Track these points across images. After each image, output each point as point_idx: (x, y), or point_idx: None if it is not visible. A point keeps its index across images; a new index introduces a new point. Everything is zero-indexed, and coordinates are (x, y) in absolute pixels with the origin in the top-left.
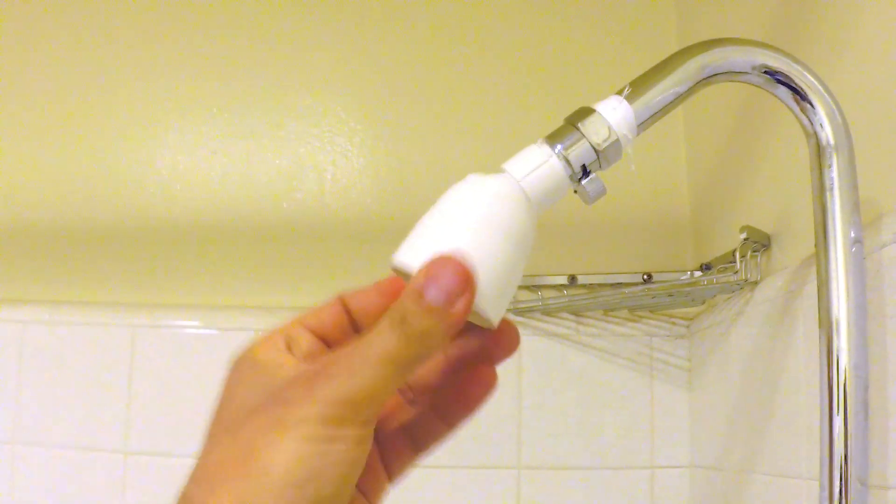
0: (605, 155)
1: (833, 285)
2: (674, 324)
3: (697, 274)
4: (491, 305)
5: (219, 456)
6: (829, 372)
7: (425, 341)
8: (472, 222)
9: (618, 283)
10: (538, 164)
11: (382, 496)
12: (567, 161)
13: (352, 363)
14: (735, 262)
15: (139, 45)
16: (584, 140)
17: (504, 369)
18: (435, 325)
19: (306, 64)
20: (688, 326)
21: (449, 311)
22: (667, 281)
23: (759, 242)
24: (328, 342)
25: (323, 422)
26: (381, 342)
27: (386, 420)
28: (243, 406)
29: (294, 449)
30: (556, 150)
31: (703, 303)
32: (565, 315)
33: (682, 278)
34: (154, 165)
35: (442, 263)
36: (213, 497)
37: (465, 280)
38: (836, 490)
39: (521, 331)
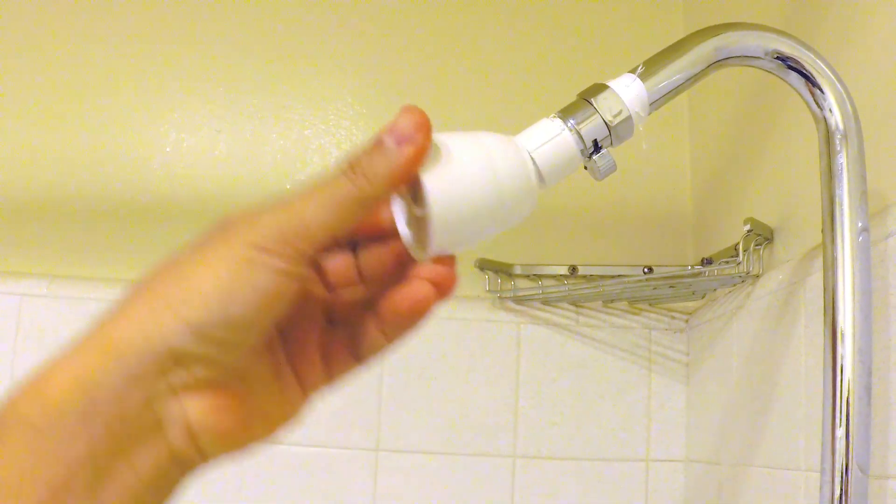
0: (616, 131)
1: (839, 273)
2: (673, 317)
3: (698, 267)
4: (444, 247)
5: (160, 271)
6: (832, 359)
7: (368, 181)
8: (487, 171)
9: (618, 275)
10: (550, 137)
11: (314, 389)
12: (579, 135)
13: (293, 200)
14: (737, 255)
15: (145, 23)
16: (597, 115)
17: (502, 358)
18: (380, 164)
19: (313, 46)
20: (687, 320)
21: (396, 150)
22: (668, 273)
23: (762, 235)
24: None
25: (250, 246)
26: (323, 181)
27: (318, 310)
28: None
29: (220, 267)
30: (569, 125)
31: (704, 296)
32: (565, 305)
33: (684, 270)
34: (158, 143)
35: (404, 113)
36: (143, 298)
37: (420, 125)
38: (837, 478)
39: (520, 319)
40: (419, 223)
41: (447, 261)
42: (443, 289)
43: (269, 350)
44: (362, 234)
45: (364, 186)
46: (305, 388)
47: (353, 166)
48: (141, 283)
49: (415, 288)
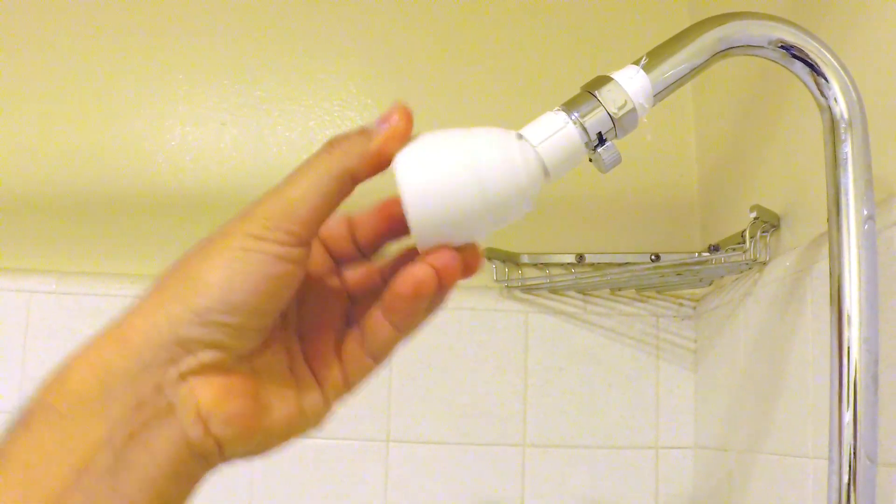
0: (621, 123)
1: (845, 261)
2: (681, 304)
3: (706, 255)
4: (424, 232)
5: (169, 270)
6: (839, 347)
7: (345, 154)
8: (467, 158)
9: (625, 263)
10: (555, 131)
11: (336, 393)
12: (583, 128)
13: (280, 185)
14: (744, 242)
15: (150, 18)
16: (601, 108)
17: (510, 347)
18: (356, 140)
19: (319, 37)
20: (694, 307)
21: (374, 128)
22: (675, 260)
23: (768, 223)
24: (329, 248)
25: (245, 236)
26: (306, 161)
27: (337, 314)
28: None
29: (219, 259)
30: (573, 117)
31: (711, 283)
32: (572, 293)
33: (691, 258)
34: (163, 136)
35: (391, 105)
36: (153, 294)
37: (401, 110)
38: (845, 466)
39: (528, 308)
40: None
41: (446, 250)
42: (444, 275)
43: (285, 348)
44: (384, 240)
45: (339, 158)
46: (324, 389)
47: (331, 143)
48: (153, 282)
49: (415, 269)
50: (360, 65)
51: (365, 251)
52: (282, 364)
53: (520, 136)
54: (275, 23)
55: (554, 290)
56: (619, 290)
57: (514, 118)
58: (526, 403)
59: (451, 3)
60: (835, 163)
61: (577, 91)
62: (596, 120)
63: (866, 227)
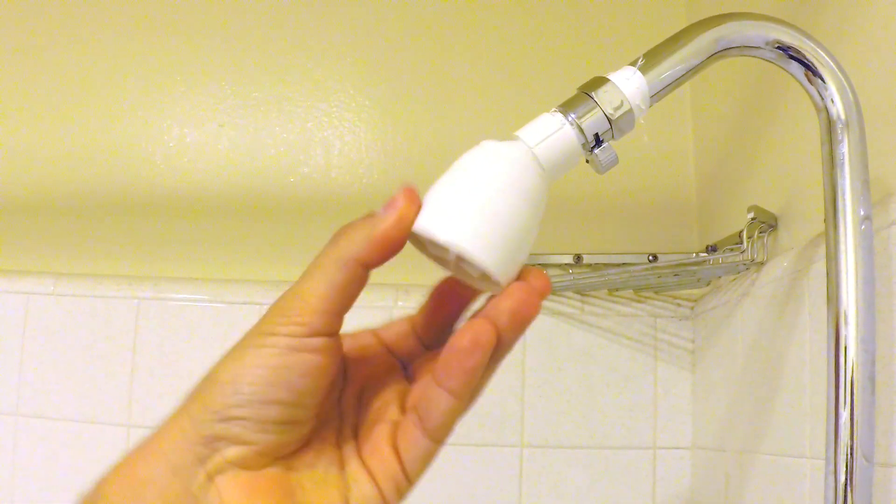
0: (618, 124)
1: (842, 262)
2: (678, 305)
3: (703, 255)
4: (501, 265)
5: (192, 386)
6: (836, 347)
7: (350, 241)
8: (485, 184)
9: (623, 263)
10: (551, 132)
11: (394, 484)
12: (580, 129)
13: (293, 285)
14: (741, 242)
15: (148, 18)
16: (598, 109)
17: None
18: (362, 227)
19: (315, 38)
20: (692, 308)
21: (380, 214)
22: (673, 261)
23: (765, 223)
24: (394, 352)
25: (259, 334)
26: (315, 257)
27: (392, 399)
28: None
29: (232, 358)
30: (570, 119)
31: (709, 284)
32: (570, 294)
33: (689, 258)
34: (161, 138)
35: (399, 189)
36: (182, 405)
37: (407, 194)
38: (841, 467)
39: (537, 313)
40: (471, 269)
41: (518, 286)
42: (525, 307)
43: (334, 445)
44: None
45: (344, 247)
46: (379, 483)
47: (337, 233)
48: (183, 396)
49: (471, 323)
50: (357, 66)
51: (434, 345)
52: (327, 462)
53: (516, 138)
54: (272, 24)
55: (552, 291)
56: (617, 290)
57: (511, 119)
58: (524, 404)
59: (448, 5)
60: (832, 163)
61: (573, 92)
62: (593, 121)
63: (863, 227)
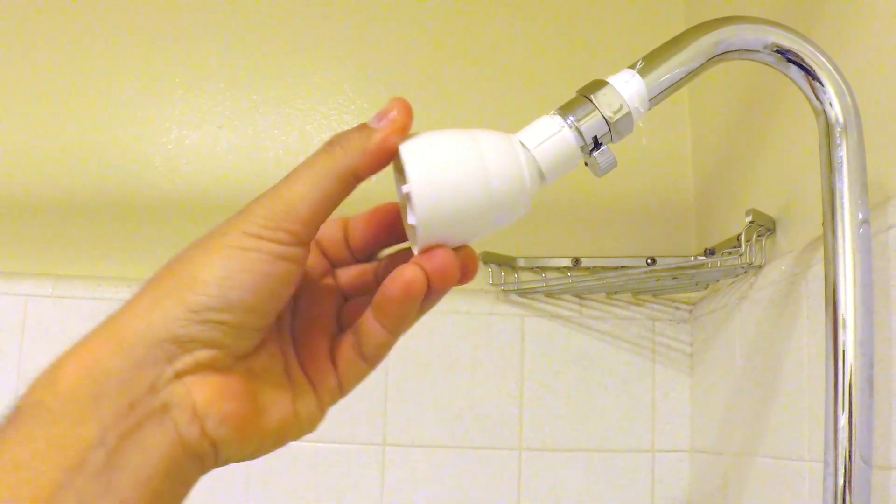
0: (616, 127)
1: (840, 265)
2: (677, 308)
3: (701, 258)
4: (427, 229)
5: (164, 268)
6: (834, 350)
7: (345, 152)
8: (474, 158)
9: (621, 266)
10: (550, 135)
11: (330, 396)
12: (579, 132)
13: (279, 185)
14: (740, 245)
15: (146, 19)
16: (597, 112)
17: (506, 351)
18: (356, 137)
19: (315, 40)
20: (690, 311)
21: (374, 125)
22: (671, 264)
23: (764, 226)
24: (324, 251)
25: (243, 235)
26: (306, 160)
27: (331, 317)
28: None
29: (217, 257)
30: (569, 122)
31: (707, 287)
32: (568, 297)
33: (687, 261)
34: (160, 140)
35: (390, 100)
36: (148, 292)
37: (400, 105)
38: (840, 469)
39: (524, 312)
40: (409, 214)
41: (442, 251)
42: (442, 277)
43: (280, 350)
44: (379, 246)
45: (340, 157)
46: (318, 392)
47: (331, 142)
48: (146, 281)
49: (405, 271)
50: (356, 68)
51: (359, 255)
52: (278, 366)
53: (517, 140)
54: (271, 27)
55: (550, 294)
56: (616, 293)
57: (510, 122)
58: (522, 407)
59: (447, 7)
60: (830, 167)
61: (572, 95)
62: (591, 124)
63: (861, 230)
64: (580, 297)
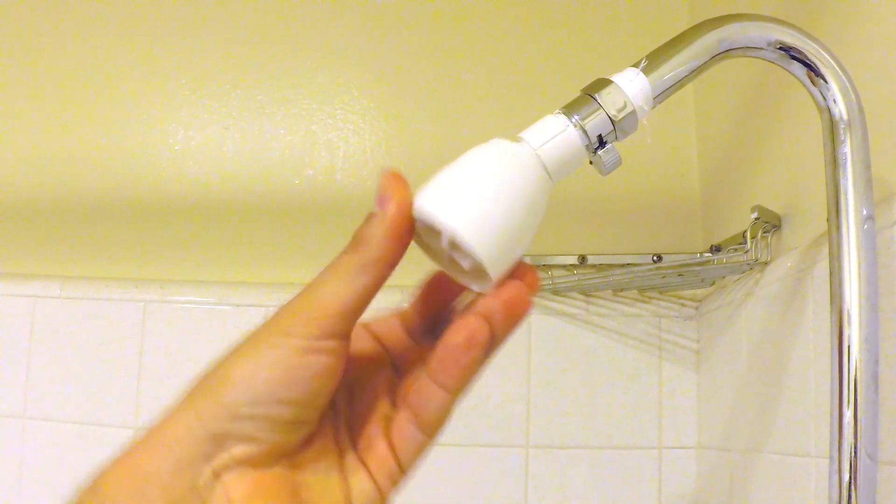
0: (621, 126)
1: (845, 261)
2: (683, 305)
3: (707, 255)
4: (494, 258)
5: (202, 374)
6: (839, 346)
7: (367, 244)
8: (487, 177)
9: (627, 264)
10: (555, 134)
11: (389, 478)
12: (584, 131)
13: (311, 284)
14: (745, 242)
15: (153, 21)
16: (601, 111)
17: (513, 349)
18: (372, 227)
19: (320, 41)
20: (697, 307)
21: (381, 211)
22: (677, 261)
23: (769, 223)
24: (384, 345)
25: (276, 334)
26: (332, 260)
27: (383, 399)
28: None
29: (246, 356)
30: (573, 120)
31: (713, 284)
32: (575, 295)
33: (693, 258)
34: (166, 141)
35: (380, 179)
36: (186, 398)
37: (393, 179)
38: (846, 465)
39: (531, 310)
40: (463, 259)
41: (511, 283)
42: (515, 305)
43: (333, 442)
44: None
45: (363, 251)
46: (375, 476)
47: (355, 240)
48: (185, 388)
49: (467, 318)
50: (361, 68)
51: (421, 340)
52: (329, 459)
53: (520, 140)
54: (276, 27)
55: (556, 292)
56: (622, 291)
57: (515, 121)
58: (529, 405)
59: (452, 7)
60: (834, 163)
61: (576, 94)
62: (596, 122)
63: (866, 226)
64: (586, 295)
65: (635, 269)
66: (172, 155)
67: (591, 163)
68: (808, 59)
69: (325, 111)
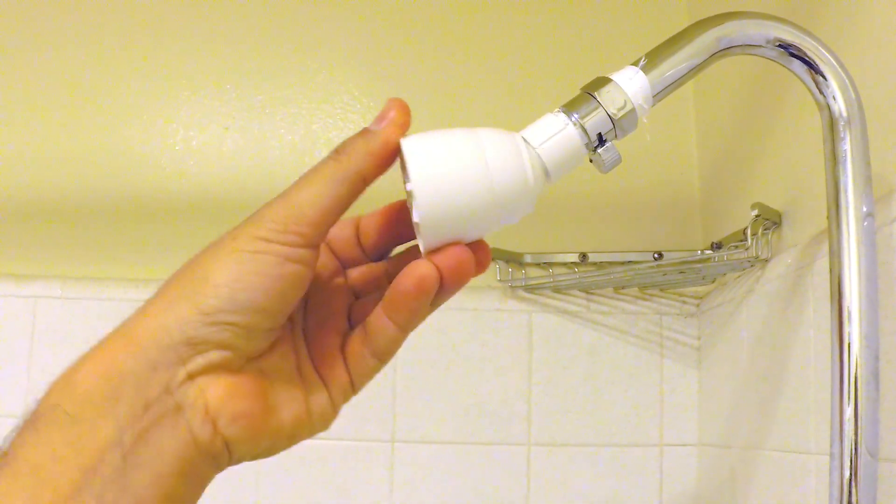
0: (621, 124)
1: (845, 258)
2: (684, 302)
3: (708, 252)
4: (429, 227)
5: (177, 273)
6: (840, 343)
7: (349, 157)
8: (476, 157)
9: (628, 261)
10: (555, 132)
11: (342, 394)
12: (583, 129)
13: (288, 190)
14: (746, 239)
15: (153, 21)
16: (601, 109)
17: (514, 346)
18: (360, 142)
19: (320, 40)
20: (697, 305)
21: (375, 128)
22: (678, 259)
23: (770, 220)
24: (335, 251)
25: (254, 239)
26: (314, 167)
27: (342, 315)
28: None
29: (228, 260)
30: (573, 119)
31: (714, 281)
32: (576, 292)
33: (694, 256)
34: (167, 141)
35: (386, 102)
36: (162, 296)
37: (397, 105)
38: (846, 462)
39: (531, 308)
40: (413, 210)
41: (456, 247)
42: (457, 272)
43: (292, 349)
44: (390, 244)
45: (346, 162)
46: (330, 390)
47: (338, 149)
48: (162, 285)
49: (419, 266)
50: (361, 67)
51: (371, 254)
52: (290, 365)
53: (521, 138)
54: (276, 27)
55: (557, 290)
56: (623, 288)
57: (514, 119)
58: (530, 403)
59: (451, 5)
60: (834, 160)
61: (576, 92)
62: (596, 121)
63: (865, 223)
64: (587, 293)
65: (636, 266)
66: (172, 155)
67: (591, 161)
68: (808, 57)
69: (325, 111)
